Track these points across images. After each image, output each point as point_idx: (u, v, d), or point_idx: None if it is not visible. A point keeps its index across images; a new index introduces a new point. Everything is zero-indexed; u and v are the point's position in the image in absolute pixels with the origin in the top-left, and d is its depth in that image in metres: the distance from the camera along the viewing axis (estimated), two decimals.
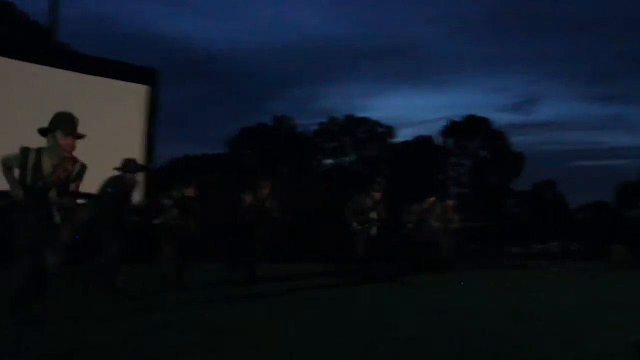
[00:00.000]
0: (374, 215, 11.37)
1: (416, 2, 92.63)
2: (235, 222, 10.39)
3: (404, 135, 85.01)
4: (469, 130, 54.16)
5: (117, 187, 8.33)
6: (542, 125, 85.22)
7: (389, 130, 54.82)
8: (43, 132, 5.38)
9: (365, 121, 54.83)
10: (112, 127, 13.30)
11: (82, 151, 5.41)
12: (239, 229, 10.18)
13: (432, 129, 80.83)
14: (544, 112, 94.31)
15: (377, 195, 11.62)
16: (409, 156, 49.89)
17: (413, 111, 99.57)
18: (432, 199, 15.09)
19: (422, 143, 53.34)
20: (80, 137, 5.42)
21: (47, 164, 5.32)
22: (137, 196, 8.38)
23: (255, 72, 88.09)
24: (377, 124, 54.67)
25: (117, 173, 8.47)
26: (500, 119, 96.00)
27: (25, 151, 5.31)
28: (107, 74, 14.49)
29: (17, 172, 5.29)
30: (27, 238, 5.14)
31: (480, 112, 63.96)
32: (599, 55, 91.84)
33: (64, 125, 5.35)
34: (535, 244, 35.96)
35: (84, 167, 5.50)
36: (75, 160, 5.46)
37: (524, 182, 53.81)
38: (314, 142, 54.21)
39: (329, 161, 55.07)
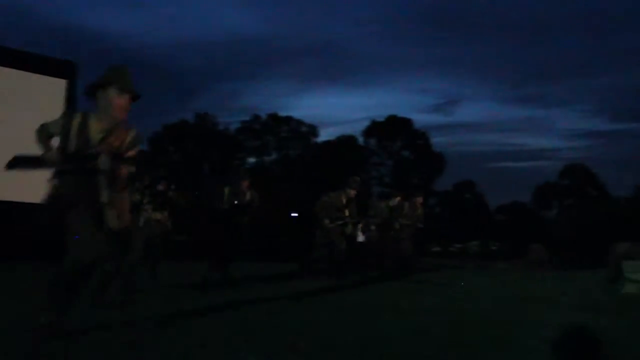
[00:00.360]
0: (347, 213, 10.98)
1: (342, 2, 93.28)
2: (216, 216, 9.83)
3: (326, 134, 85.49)
4: (391, 130, 54.72)
5: None
6: (462, 126, 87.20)
7: (312, 129, 54.88)
8: (91, 89, 4.43)
9: (288, 120, 54.69)
10: (30, 121, 12.70)
11: None
12: (220, 223, 9.68)
13: (355, 129, 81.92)
14: (464, 114, 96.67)
15: (352, 193, 11.16)
16: (331, 155, 50.01)
17: (336, 110, 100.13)
18: (398, 197, 14.50)
19: (345, 142, 53.56)
20: (137, 96, 4.50)
21: (96, 129, 4.35)
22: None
23: (178, 68, 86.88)
24: (300, 122, 54.66)
25: None
26: (421, 119, 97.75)
27: (68, 114, 4.40)
28: (23, 66, 13.89)
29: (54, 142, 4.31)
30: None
31: (402, 113, 65.05)
32: (519, 59, 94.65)
33: (119, 79, 4.40)
34: (455, 243, 36.63)
35: (139, 135, 4.58)
36: (128, 128, 4.49)
37: (444, 182, 54.86)
38: (236, 140, 53.73)
39: (251, 159, 54.70)
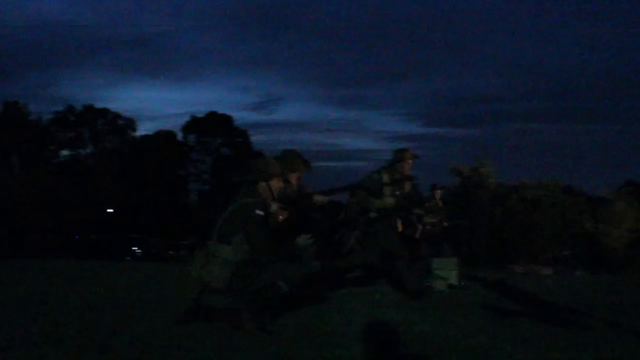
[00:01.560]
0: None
1: None
2: None
3: (145, 128, 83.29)
4: (211, 126, 54.39)
5: None
6: (282, 125, 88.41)
7: (130, 123, 53.43)
8: None
9: (104, 112, 52.86)
10: None
11: None
12: None
13: (175, 124, 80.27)
14: (285, 113, 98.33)
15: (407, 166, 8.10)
16: (149, 150, 49.01)
17: (155, 104, 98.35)
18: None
19: (164, 137, 52.64)
20: None
21: None
22: None
23: None
24: (118, 115, 53.05)
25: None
26: (242, 116, 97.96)
27: None
28: None
29: None
30: None
31: (222, 109, 64.71)
32: (340, 61, 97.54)
33: None
34: None
35: None
36: None
37: None
38: (49, 131, 51.17)
39: (65, 152, 52.33)
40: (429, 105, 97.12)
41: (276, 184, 5.11)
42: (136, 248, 31.61)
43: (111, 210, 41.31)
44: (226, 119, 55.24)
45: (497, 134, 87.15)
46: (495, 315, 5.77)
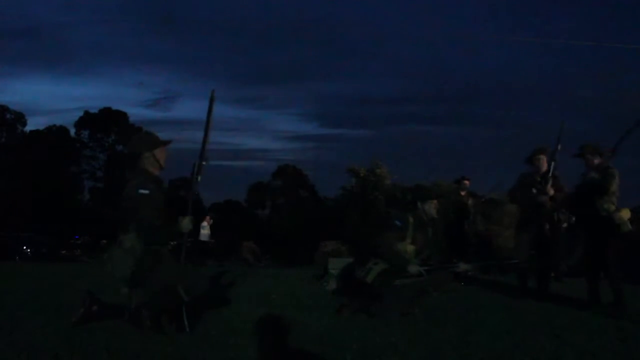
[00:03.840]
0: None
1: None
2: None
3: (35, 123, 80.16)
4: (105, 123, 53.18)
5: None
6: (179, 122, 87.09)
7: (19, 117, 51.44)
8: None
9: None
10: None
11: None
12: None
13: (67, 119, 77.46)
14: (181, 110, 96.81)
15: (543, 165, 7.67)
16: (40, 146, 47.22)
17: (47, 98, 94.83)
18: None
19: (55, 133, 50.96)
20: None
21: None
22: None
23: None
24: (5, 109, 50.94)
25: None
26: (138, 113, 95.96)
27: None
28: None
29: None
30: None
31: (117, 105, 63.17)
32: (239, 60, 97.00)
33: None
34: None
35: None
36: None
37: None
38: None
39: None
40: (327, 106, 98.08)
41: (160, 153, 5.00)
42: (26, 247, 30.25)
43: None
44: (121, 115, 54.09)
45: (392, 135, 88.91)
46: (392, 316, 5.74)
